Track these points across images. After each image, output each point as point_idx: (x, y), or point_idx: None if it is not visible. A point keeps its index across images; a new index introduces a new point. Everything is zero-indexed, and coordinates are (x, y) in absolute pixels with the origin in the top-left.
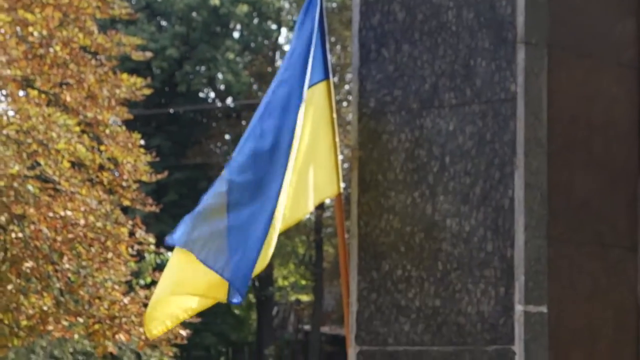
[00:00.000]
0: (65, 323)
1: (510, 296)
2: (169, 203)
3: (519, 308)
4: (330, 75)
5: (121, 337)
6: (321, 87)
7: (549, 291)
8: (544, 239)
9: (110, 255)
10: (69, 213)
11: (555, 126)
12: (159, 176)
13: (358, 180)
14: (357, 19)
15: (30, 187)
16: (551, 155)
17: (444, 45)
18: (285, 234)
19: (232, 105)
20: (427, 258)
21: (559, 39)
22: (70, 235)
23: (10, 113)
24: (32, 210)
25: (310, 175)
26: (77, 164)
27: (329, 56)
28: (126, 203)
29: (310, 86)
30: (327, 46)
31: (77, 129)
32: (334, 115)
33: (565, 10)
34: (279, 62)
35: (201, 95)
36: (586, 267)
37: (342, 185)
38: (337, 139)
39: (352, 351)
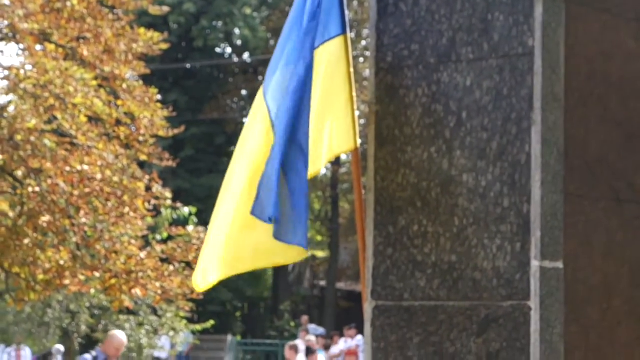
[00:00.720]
0: (81, 277)
1: (526, 252)
2: (186, 158)
3: (535, 264)
4: (348, 30)
5: (137, 291)
6: (338, 42)
7: (565, 247)
8: (560, 195)
9: (126, 209)
10: (85, 167)
11: (572, 81)
12: (176, 131)
13: (375, 135)
14: None
15: (47, 142)
16: (568, 111)
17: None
18: None
19: (248, 60)
20: (443, 213)
21: None
22: (87, 190)
23: (28, 67)
24: (49, 165)
25: (326, 132)
26: (94, 119)
27: (346, 11)
28: (143, 158)
29: (326, 41)
30: (345, 0)
31: (94, 83)
32: (351, 70)
33: None
34: None
35: (218, 50)
36: (602, 223)
37: (359, 140)
38: (354, 94)
39: (368, 306)
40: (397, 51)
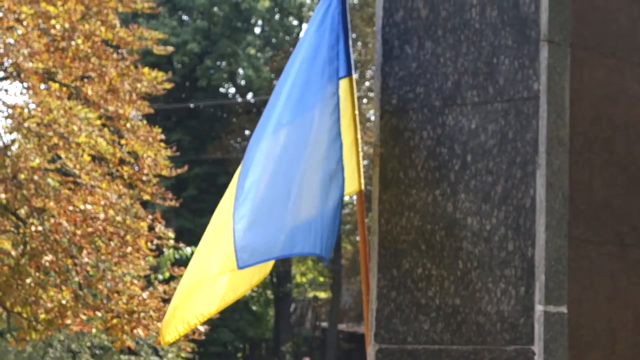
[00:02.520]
0: (83, 317)
1: (530, 296)
2: (189, 198)
3: (539, 308)
4: (353, 72)
5: (139, 331)
6: (343, 83)
7: (569, 291)
8: (564, 239)
9: (129, 249)
10: (88, 207)
11: (577, 125)
12: (179, 171)
13: (379, 177)
14: (380, 16)
15: (50, 181)
16: (572, 155)
17: (467, 43)
18: None
19: (252, 100)
20: (447, 256)
21: (582, 37)
22: (89, 229)
23: (32, 106)
24: (52, 204)
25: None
26: (98, 158)
27: (351, 53)
28: (146, 197)
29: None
30: (350, 43)
31: (98, 122)
32: (356, 112)
33: (589, 9)
34: None
35: (222, 90)
36: (606, 268)
37: (363, 182)
38: (359, 136)
39: (371, 349)
40: (402, 94)
